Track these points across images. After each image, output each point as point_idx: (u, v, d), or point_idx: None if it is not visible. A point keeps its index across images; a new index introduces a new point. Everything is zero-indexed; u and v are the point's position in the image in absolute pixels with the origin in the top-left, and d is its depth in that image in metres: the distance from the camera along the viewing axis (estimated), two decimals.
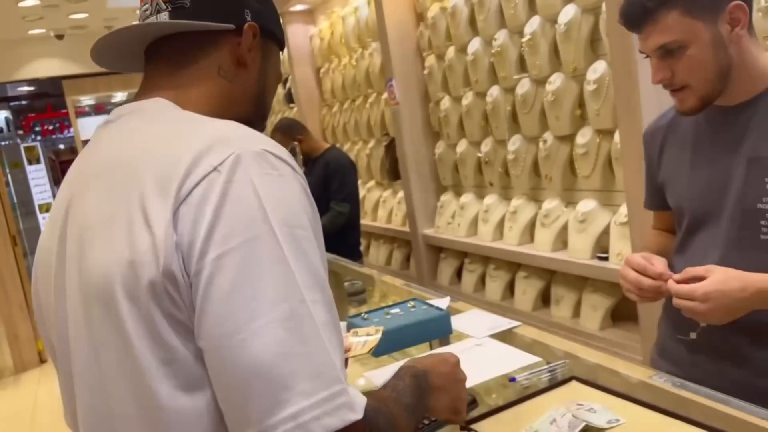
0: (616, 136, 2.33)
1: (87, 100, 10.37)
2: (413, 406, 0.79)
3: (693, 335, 1.23)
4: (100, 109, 10.93)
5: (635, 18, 1.15)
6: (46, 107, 10.48)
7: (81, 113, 10.43)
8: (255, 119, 0.84)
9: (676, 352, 1.31)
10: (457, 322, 1.57)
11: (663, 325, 1.39)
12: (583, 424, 0.98)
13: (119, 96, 10.01)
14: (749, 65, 1.14)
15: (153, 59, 0.81)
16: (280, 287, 0.59)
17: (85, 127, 9.50)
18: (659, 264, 1.18)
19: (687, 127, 1.28)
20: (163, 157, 0.65)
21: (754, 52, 1.15)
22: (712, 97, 1.15)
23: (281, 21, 1.52)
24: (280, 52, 0.91)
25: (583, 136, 2.58)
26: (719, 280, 1.07)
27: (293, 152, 2.42)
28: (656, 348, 1.41)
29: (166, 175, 0.63)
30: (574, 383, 1.18)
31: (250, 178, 0.62)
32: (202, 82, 0.78)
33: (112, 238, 0.65)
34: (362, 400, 0.61)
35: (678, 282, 1.12)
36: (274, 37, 0.87)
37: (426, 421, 1.07)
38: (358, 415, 0.58)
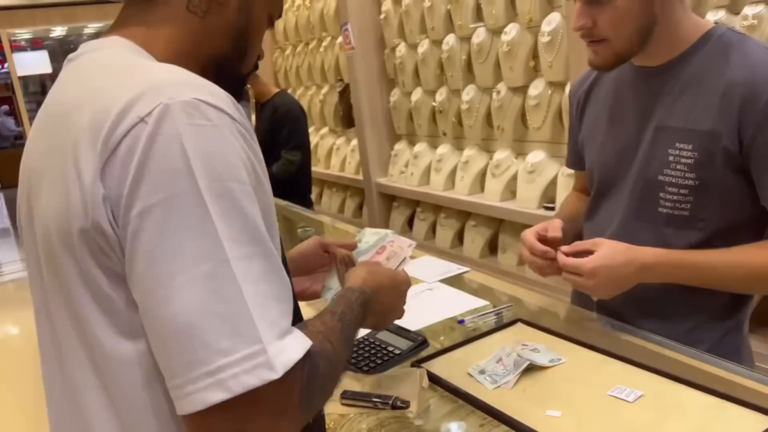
0: (567, 89, 2.37)
1: (23, 34, 9.78)
2: (352, 337, 0.80)
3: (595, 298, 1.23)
4: (37, 44, 10.32)
5: None
6: None
7: (17, 48, 9.85)
8: (233, 59, 0.78)
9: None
10: (409, 268, 1.61)
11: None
12: (528, 362, 1.03)
13: (58, 30, 9.47)
14: (672, 27, 1.09)
15: None
16: (202, 245, 0.58)
17: (22, 62, 8.99)
18: (552, 228, 1.17)
19: (608, 88, 1.25)
20: (97, 106, 0.63)
21: (679, 14, 1.10)
22: (628, 55, 1.12)
23: None
24: None
25: (536, 88, 2.61)
26: (606, 255, 1.06)
27: (246, 96, 2.36)
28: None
29: (97, 126, 0.61)
30: (519, 325, 1.23)
31: (177, 130, 0.59)
32: (168, 19, 0.73)
33: (51, 189, 0.65)
34: (289, 359, 0.59)
35: (567, 254, 1.10)
36: None
37: (379, 361, 1.11)
38: (276, 374, 0.58)
